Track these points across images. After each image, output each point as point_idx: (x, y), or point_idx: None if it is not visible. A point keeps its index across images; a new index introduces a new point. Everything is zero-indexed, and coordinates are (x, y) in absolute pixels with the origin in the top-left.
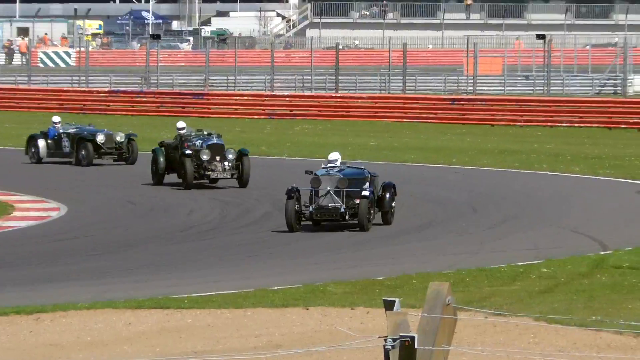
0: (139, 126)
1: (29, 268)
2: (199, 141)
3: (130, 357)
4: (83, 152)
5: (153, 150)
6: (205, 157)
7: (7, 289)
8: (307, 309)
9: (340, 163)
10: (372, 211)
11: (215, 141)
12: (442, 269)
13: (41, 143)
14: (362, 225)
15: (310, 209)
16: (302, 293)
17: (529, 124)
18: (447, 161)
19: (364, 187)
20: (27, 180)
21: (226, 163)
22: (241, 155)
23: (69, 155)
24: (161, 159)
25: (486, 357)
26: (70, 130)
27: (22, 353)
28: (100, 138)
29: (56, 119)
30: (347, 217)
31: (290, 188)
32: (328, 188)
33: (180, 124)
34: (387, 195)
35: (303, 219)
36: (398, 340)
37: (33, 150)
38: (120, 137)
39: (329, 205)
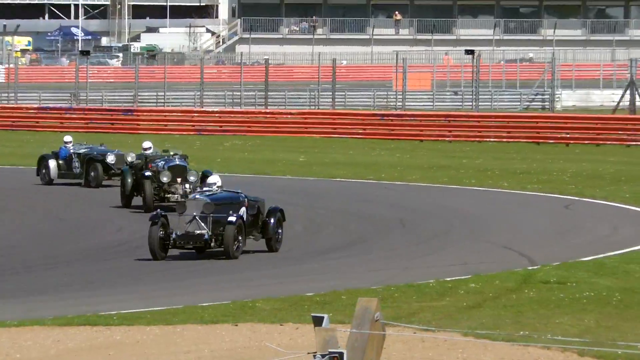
0: None
1: None
2: (161, 162)
3: None
4: (92, 173)
5: (121, 172)
6: (165, 179)
7: None
8: (237, 325)
9: (218, 187)
10: (240, 237)
11: (177, 162)
12: (371, 284)
13: (52, 164)
14: (228, 253)
15: (174, 235)
16: (231, 309)
17: (457, 139)
18: (376, 177)
19: (232, 212)
20: None
21: (187, 185)
22: (204, 177)
23: (80, 176)
24: (128, 181)
25: None
26: (81, 151)
27: None
28: (110, 159)
29: (67, 138)
30: (212, 244)
31: (154, 213)
32: (194, 213)
33: (146, 144)
34: (272, 221)
35: (169, 246)
36: (327, 356)
37: (44, 171)
38: (131, 158)
39: (195, 231)
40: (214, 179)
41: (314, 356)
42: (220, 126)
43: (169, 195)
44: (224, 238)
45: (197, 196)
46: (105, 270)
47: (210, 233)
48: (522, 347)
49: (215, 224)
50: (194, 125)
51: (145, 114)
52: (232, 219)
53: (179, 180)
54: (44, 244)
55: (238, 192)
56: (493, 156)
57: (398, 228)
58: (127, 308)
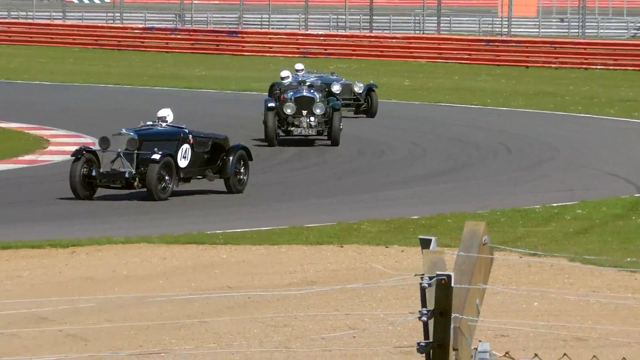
0: (173, 64)
1: (64, 203)
2: (290, 93)
3: (166, 291)
4: None
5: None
6: (288, 111)
7: (42, 223)
8: (342, 247)
9: (164, 123)
10: (168, 177)
11: (304, 94)
12: (476, 209)
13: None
14: (152, 193)
15: (94, 173)
16: (336, 231)
17: (563, 66)
18: (481, 102)
19: (156, 149)
20: (64, 115)
21: (313, 118)
22: (332, 110)
23: None
24: (270, 117)
25: (520, 297)
26: (310, 80)
27: (59, 286)
28: (335, 88)
29: (299, 66)
30: (135, 183)
31: (78, 148)
32: (119, 150)
33: (284, 72)
34: (230, 160)
35: (95, 184)
36: (434, 279)
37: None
38: (358, 88)
39: (118, 169)
40: (165, 112)
41: (422, 278)
42: (325, 49)
43: (291, 129)
44: (147, 177)
45: (122, 131)
46: (209, 191)
47: (133, 171)
48: (629, 273)
49: (140, 162)
50: (298, 48)
51: (250, 36)
52: (156, 156)
53: (304, 112)
54: None
55: (181, 127)
56: (599, 83)
57: (503, 154)
58: (232, 227)
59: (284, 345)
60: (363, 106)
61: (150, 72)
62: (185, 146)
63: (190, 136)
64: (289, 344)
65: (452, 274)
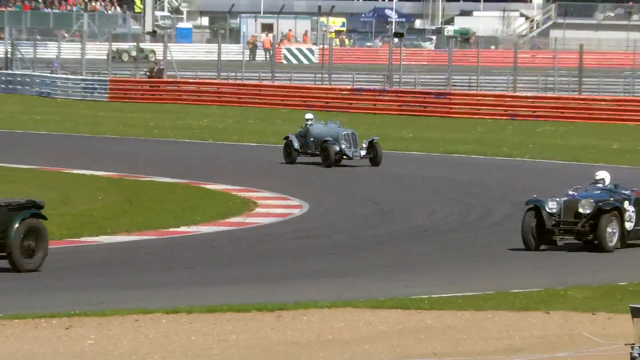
0: (381, 125)
1: (270, 265)
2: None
3: (371, 356)
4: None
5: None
6: (343, 146)
7: (248, 286)
8: (548, 313)
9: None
10: None
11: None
12: None
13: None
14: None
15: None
16: (542, 296)
17: None
18: None
19: None
20: (269, 177)
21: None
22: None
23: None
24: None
25: None
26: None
27: (264, 350)
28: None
29: (309, 116)
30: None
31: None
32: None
33: (308, 115)
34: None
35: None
36: None
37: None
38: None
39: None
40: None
41: (632, 347)
42: (533, 111)
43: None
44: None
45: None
46: (416, 254)
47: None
48: None
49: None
50: (506, 110)
51: (458, 97)
52: None
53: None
54: (360, 226)
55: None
56: None
57: None
58: (438, 292)
59: None
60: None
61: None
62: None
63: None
64: None
65: None
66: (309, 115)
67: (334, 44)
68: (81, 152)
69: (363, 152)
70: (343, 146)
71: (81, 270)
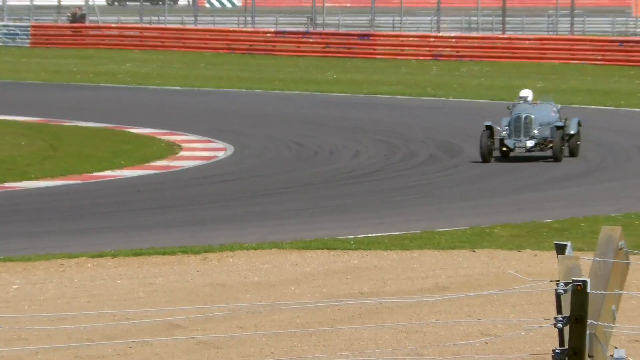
0: (305, 68)
1: (196, 208)
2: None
3: (298, 297)
4: None
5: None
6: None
7: (174, 229)
8: (474, 251)
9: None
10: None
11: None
12: (610, 212)
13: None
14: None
15: None
16: (468, 235)
17: None
18: (615, 104)
19: None
20: (196, 120)
21: (530, 140)
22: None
23: None
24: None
25: None
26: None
27: (191, 293)
28: None
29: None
30: None
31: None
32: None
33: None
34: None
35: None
36: (570, 285)
37: None
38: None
39: None
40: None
41: (557, 284)
42: (457, 51)
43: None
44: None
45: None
46: (341, 196)
47: None
48: None
49: None
50: (430, 51)
51: (382, 38)
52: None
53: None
54: (285, 169)
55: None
56: None
57: (637, 156)
58: (364, 233)
59: (416, 353)
60: None
61: (281, 77)
62: None
63: None
64: (421, 351)
65: (589, 280)
66: (524, 93)
67: None
68: (2, 98)
69: (531, 143)
70: (504, 133)
71: (5, 216)
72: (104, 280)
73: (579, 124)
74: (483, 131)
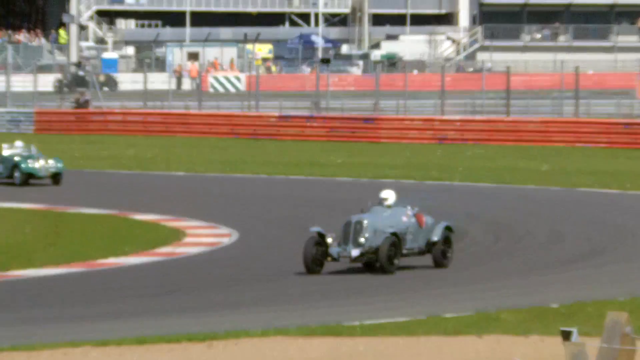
0: (309, 152)
1: (200, 295)
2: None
3: None
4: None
5: None
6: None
7: (179, 315)
8: (481, 337)
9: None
10: None
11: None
12: (617, 296)
13: None
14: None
15: None
16: (475, 320)
17: None
18: (620, 186)
19: None
20: (200, 206)
21: (355, 251)
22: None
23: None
24: None
25: None
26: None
27: None
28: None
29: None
30: None
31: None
32: None
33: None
34: None
35: None
36: None
37: None
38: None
39: None
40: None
41: None
42: (462, 134)
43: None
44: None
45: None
46: (343, 281)
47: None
48: None
49: None
50: (434, 134)
51: (386, 122)
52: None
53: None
54: (290, 252)
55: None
56: None
57: None
58: (369, 318)
59: None
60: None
61: (286, 160)
62: None
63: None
64: None
65: None
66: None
67: (260, 71)
68: (6, 185)
69: (356, 252)
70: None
71: (10, 304)
72: None
73: (450, 230)
74: (309, 238)
